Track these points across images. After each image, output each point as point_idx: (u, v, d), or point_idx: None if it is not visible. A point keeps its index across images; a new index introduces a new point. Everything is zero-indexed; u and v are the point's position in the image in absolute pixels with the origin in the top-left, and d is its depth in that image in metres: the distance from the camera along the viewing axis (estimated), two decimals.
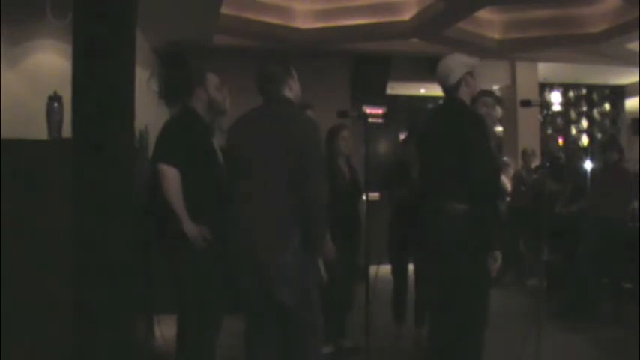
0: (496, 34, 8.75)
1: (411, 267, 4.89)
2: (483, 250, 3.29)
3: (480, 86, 3.61)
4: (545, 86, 11.12)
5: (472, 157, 3.26)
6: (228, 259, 3.12)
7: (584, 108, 11.92)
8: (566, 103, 11.75)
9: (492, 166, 3.45)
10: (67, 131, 3.29)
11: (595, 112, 11.96)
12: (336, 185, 4.43)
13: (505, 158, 8.92)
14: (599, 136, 11.85)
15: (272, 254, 2.94)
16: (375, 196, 4.92)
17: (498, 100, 4.30)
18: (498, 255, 3.31)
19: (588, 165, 7.30)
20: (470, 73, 3.47)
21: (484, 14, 8.27)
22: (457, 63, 3.46)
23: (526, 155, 8.26)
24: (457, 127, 3.37)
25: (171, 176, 3.14)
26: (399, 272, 4.93)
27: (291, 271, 2.93)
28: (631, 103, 11.62)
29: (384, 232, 4.90)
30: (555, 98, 11.51)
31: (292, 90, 3.13)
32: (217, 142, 3.45)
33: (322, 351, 3.26)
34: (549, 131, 11.40)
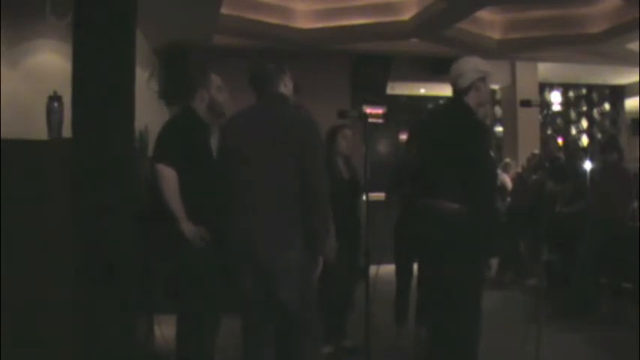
0: (496, 34, 8.75)
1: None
2: (482, 254, 3.31)
3: (490, 92, 3.62)
4: (545, 86, 11.12)
5: (471, 162, 3.27)
6: (229, 259, 3.12)
7: (584, 108, 11.92)
8: (566, 103, 11.76)
9: (492, 172, 3.46)
10: (67, 131, 3.29)
11: (595, 112, 11.95)
12: (335, 185, 4.42)
13: (507, 159, 8.88)
14: (599, 136, 11.85)
15: (275, 254, 2.94)
16: (374, 195, 4.92)
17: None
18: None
19: (588, 165, 7.30)
20: (482, 79, 3.47)
21: (484, 14, 8.27)
22: (470, 67, 3.47)
23: (531, 160, 8.20)
24: (458, 130, 3.38)
25: (168, 176, 3.13)
26: (402, 274, 4.91)
27: (294, 271, 2.94)
28: (631, 103, 11.62)
29: (386, 233, 4.89)
30: (555, 98, 11.52)
31: (287, 87, 3.14)
32: (215, 142, 3.45)
33: (322, 351, 3.26)
34: (549, 131, 11.40)
